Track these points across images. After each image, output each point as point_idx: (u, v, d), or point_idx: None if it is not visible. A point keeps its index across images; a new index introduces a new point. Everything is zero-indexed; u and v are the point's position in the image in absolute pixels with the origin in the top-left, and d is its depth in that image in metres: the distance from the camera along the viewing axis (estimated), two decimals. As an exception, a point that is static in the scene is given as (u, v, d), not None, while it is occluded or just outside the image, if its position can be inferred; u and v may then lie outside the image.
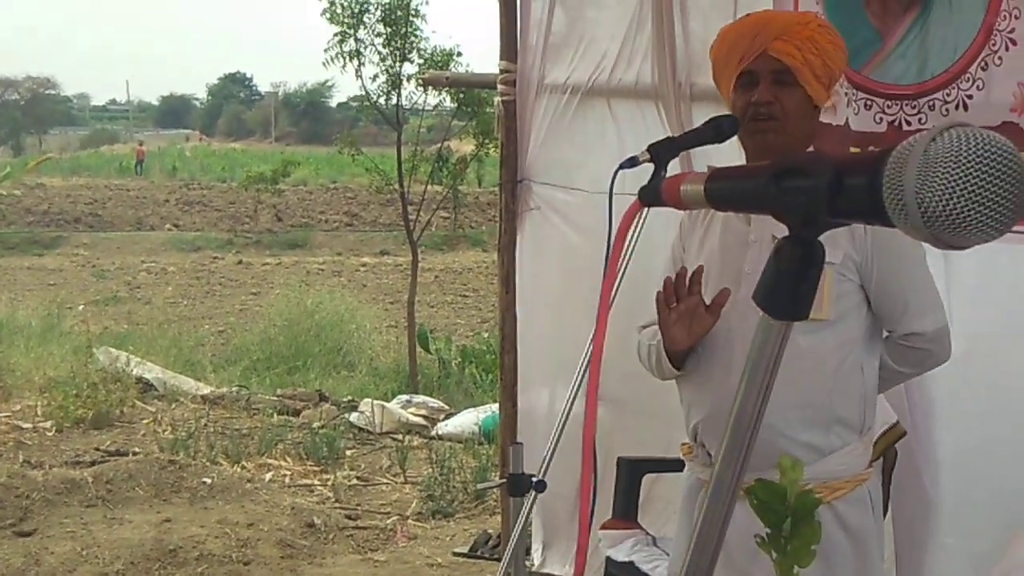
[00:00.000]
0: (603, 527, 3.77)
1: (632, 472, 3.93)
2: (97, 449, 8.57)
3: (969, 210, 0.96)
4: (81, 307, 17.86)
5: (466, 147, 17.95)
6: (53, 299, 17.18)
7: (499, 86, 4.91)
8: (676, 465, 3.16)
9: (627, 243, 2.81)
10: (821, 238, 1.11)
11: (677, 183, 1.24)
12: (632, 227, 1.39)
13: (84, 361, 10.75)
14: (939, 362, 2.87)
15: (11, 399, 10.11)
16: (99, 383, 9.78)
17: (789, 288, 1.09)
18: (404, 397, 10.75)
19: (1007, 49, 2.91)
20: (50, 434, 9.02)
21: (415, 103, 15.66)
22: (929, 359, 2.85)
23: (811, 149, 2.80)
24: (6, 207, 31.97)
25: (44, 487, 6.80)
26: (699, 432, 2.87)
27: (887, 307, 2.76)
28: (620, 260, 2.75)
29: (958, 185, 0.96)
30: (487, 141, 14.88)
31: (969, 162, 0.96)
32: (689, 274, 2.72)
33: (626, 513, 3.86)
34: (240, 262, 26.17)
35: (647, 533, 3.80)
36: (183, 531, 6.24)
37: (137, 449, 8.44)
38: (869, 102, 3.28)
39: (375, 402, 10.05)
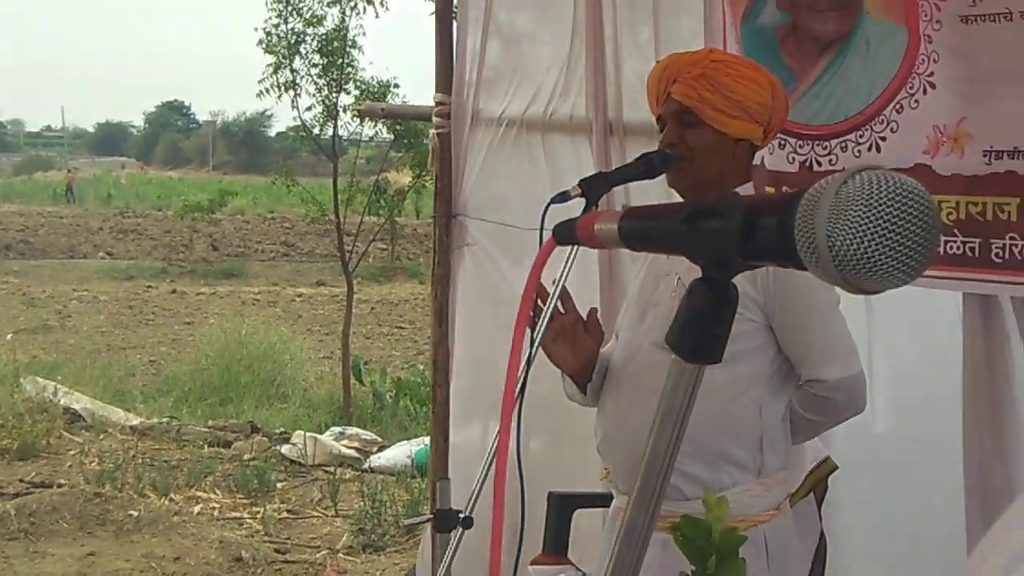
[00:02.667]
0: (533, 562, 3.73)
1: (562, 507, 3.90)
2: (21, 481, 8.40)
3: (880, 254, 0.95)
4: (9, 336, 17.53)
5: (404, 178, 17.92)
6: (-20, 327, 16.88)
7: (434, 118, 4.89)
8: (607, 500, 3.14)
9: (559, 279, 2.83)
10: None
11: (591, 222, 1.23)
12: (545, 265, 1.37)
13: (10, 391, 10.54)
14: (848, 413, 2.79)
15: (-66, 429, 9.88)
16: (25, 413, 9.61)
17: (701, 330, 1.07)
18: (337, 429, 10.65)
19: (925, 92, 2.93)
20: (-27, 465, 8.84)
21: (353, 133, 15.64)
22: (835, 409, 2.76)
23: (749, 184, 2.82)
24: (-66, 233, 31.41)
25: (-36, 519, 6.65)
26: (601, 454, 2.90)
27: (790, 351, 2.73)
28: (551, 298, 2.77)
29: (869, 228, 0.95)
30: (424, 173, 14.87)
31: (880, 205, 0.95)
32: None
33: (556, 548, 3.83)
34: (174, 291, 25.85)
35: (578, 569, 3.76)
36: (107, 565, 6.13)
37: (63, 481, 8.29)
38: (783, 141, 3.29)
39: (307, 434, 9.95)
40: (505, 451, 1.40)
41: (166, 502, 7.86)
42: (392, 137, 15.32)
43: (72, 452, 9.47)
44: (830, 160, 3.20)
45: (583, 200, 2.84)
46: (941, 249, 2.89)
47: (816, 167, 3.25)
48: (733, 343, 2.66)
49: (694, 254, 1.09)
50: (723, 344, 1.08)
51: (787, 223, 0.96)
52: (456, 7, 4.87)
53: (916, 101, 2.94)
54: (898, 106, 2.98)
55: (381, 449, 9.92)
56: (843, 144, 3.15)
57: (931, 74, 2.90)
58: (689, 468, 2.72)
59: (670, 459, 1.12)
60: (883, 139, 3.04)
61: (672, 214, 1.09)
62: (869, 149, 3.08)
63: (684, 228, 1.06)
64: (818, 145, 3.22)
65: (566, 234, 1.31)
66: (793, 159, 3.29)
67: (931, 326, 3.34)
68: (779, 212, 0.98)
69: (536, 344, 2.73)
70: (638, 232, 1.18)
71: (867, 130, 3.08)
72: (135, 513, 6.97)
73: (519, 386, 2.83)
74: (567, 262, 2.80)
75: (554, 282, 2.77)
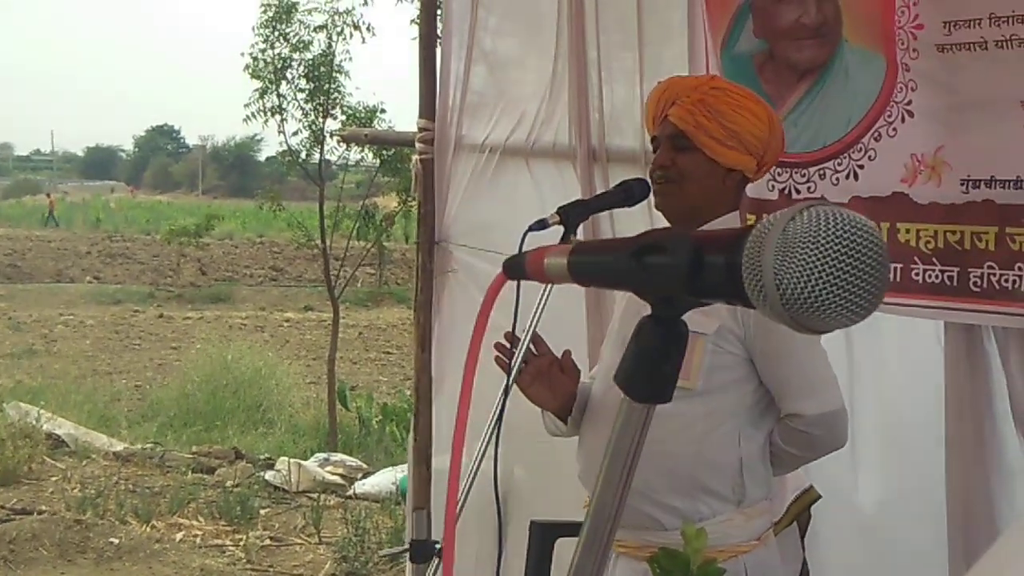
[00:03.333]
0: (514, 592, 3.70)
1: (544, 536, 3.86)
2: (2, 507, 8.32)
3: (828, 293, 0.92)
4: (-6, 360, 17.46)
5: (392, 203, 17.91)
6: (-35, 351, 16.80)
7: (417, 144, 4.87)
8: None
9: (531, 322, 2.83)
10: (696, 309, 1.07)
11: (541, 256, 1.20)
12: (497, 298, 1.34)
13: (-7, 416, 10.48)
14: (828, 448, 2.76)
15: (-85, 454, 9.81)
16: (7, 439, 9.53)
17: (650, 369, 1.04)
18: (322, 455, 10.60)
19: (903, 120, 2.92)
20: (-45, 491, 8.76)
21: (341, 158, 15.63)
22: (815, 443, 2.73)
23: (735, 213, 2.81)
24: (-79, 257, 31.30)
25: (-56, 547, 6.58)
26: (583, 483, 2.90)
27: (770, 384, 2.71)
28: (522, 341, 2.76)
29: (816, 267, 0.92)
30: (410, 198, 14.88)
31: (828, 243, 0.92)
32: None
33: (538, 577, 3.80)
34: (161, 316, 25.76)
35: (560, 599, 3.74)
36: (87, 594, 6.07)
37: (44, 507, 8.22)
38: None
39: (292, 460, 9.90)
40: (455, 489, 1.37)
41: (148, 529, 7.80)
42: (378, 162, 15.30)
43: (54, 478, 9.41)
44: (808, 188, 3.19)
45: (563, 228, 2.83)
46: (920, 278, 2.88)
47: (795, 194, 3.23)
48: (713, 375, 2.68)
49: (642, 291, 1.05)
50: (672, 383, 1.05)
51: (735, 261, 0.93)
52: (440, 33, 4.86)
53: (894, 129, 2.93)
54: (876, 134, 2.97)
55: (366, 475, 9.87)
56: (821, 172, 3.14)
57: (909, 102, 2.89)
58: (667, 499, 2.70)
59: (619, 502, 1.09)
60: (861, 167, 3.03)
61: (620, 249, 1.05)
62: (847, 177, 3.07)
63: (632, 264, 1.03)
64: (796, 173, 3.20)
65: (516, 269, 1.27)
66: (773, 187, 3.27)
67: (913, 355, 3.32)
68: (727, 249, 0.94)
69: (512, 376, 2.72)
70: (587, 267, 1.14)
71: (845, 158, 3.06)
72: (116, 540, 6.91)
73: (496, 415, 2.82)
74: (539, 304, 2.80)
75: (527, 324, 2.78)
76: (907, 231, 2.90)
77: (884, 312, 3.00)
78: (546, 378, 2.81)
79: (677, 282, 1.00)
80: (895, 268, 2.92)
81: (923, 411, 3.27)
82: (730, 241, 0.95)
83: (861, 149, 3.01)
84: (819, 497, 3.26)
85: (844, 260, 0.92)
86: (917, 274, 2.89)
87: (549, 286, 2.67)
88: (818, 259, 0.92)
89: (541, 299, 2.82)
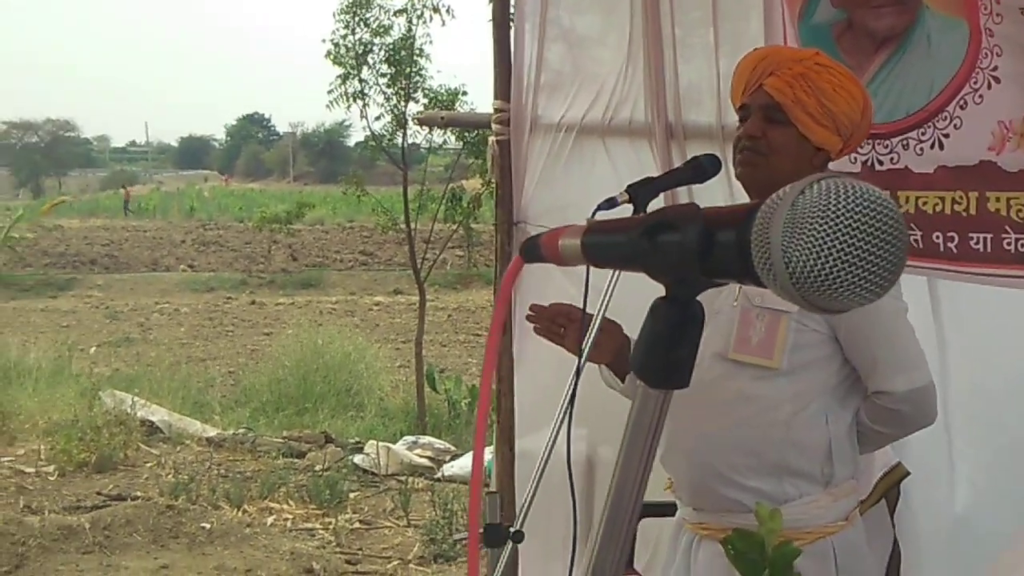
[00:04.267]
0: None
1: (628, 518, 3.84)
2: (99, 494, 8.49)
3: (839, 270, 0.86)
4: (93, 349, 17.82)
5: (477, 185, 17.91)
6: (64, 341, 17.16)
7: (493, 125, 4.83)
8: (673, 510, 3.07)
9: (605, 295, 2.78)
10: None
11: (556, 238, 1.14)
12: (516, 282, 1.31)
13: (89, 404, 10.67)
14: (918, 425, 2.71)
15: (15, 443, 10.05)
16: (103, 426, 9.71)
17: (665, 354, 0.98)
18: (410, 438, 10.65)
19: (989, 87, 2.81)
20: (52, 479, 8.95)
21: (428, 141, 15.65)
22: (904, 421, 2.68)
23: None
24: (23, 249, 32.04)
25: (41, 533, 6.72)
26: (663, 465, 2.86)
27: (856, 362, 2.65)
28: (596, 317, 2.73)
29: (827, 243, 0.86)
30: (491, 180, 14.86)
31: (840, 217, 0.86)
32: None
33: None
34: (253, 302, 26.12)
35: (644, 579, 3.72)
36: (180, 578, 6.15)
37: (138, 493, 8.37)
38: None
39: (380, 444, 9.96)
40: (480, 467, 1.33)
41: (239, 513, 7.89)
42: (461, 144, 15.31)
43: (149, 464, 9.57)
44: (891, 159, 3.09)
45: (632, 206, 2.77)
46: (1012, 247, 2.78)
47: (878, 166, 3.14)
48: (797, 354, 2.63)
49: (655, 272, 1.00)
50: (689, 368, 0.99)
51: (744, 237, 0.88)
52: (514, 12, 4.81)
53: (980, 96, 2.82)
54: (962, 102, 2.87)
55: (454, 458, 9.90)
56: (904, 142, 3.04)
57: (995, 68, 2.78)
58: (753, 482, 2.66)
59: (638, 492, 1.03)
60: (946, 136, 2.93)
61: (632, 228, 1.00)
62: (932, 147, 2.96)
63: (644, 243, 0.98)
64: (879, 144, 3.10)
65: (532, 251, 1.22)
66: (855, 159, 3.18)
67: (1008, 327, 3.22)
68: (736, 226, 0.89)
69: (584, 357, 2.68)
70: (599, 248, 1.09)
71: (929, 127, 2.96)
72: (207, 525, 6.99)
73: (569, 396, 2.78)
74: (610, 281, 2.77)
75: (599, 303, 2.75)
76: (997, 200, 2.80)
77: (976, 283, 2.91)
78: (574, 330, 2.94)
79: (688, 261, 0.94)
80: (985, 238, 2.82)
81: (1018, 384, 3.18)
82: (740, 217, 0.89)
83: (946, 117, 2.91)
84: (908, 473, 3.20)
85: (856, 235, 0.86)
86: (1009, 244, 2.79)
87: (615, 274, 2.63)
88: (828, 234, 0.86)
89: (612, 278, 2.77)
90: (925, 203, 2.96)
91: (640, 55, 4.25)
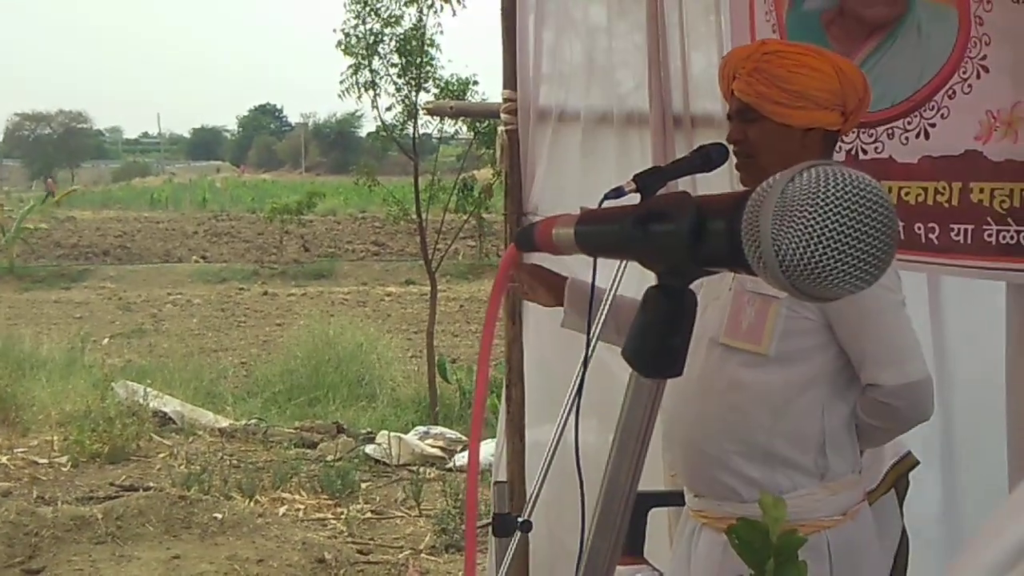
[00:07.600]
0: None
1: (638, 506, 3.83)
2: (111, 484, 8.52)
3: (829, 258, 0.86)
4: (106, 340, 17.86)
5: (488, 175, 17.89)
6: (77, 332, 17.20)
7: (502, 115, 4.83)
8: (682, 499, 3.07)
9: (612, 288, 2.78)
10: None
11: (550, 227, 1.14)
12: (507, 273, 1.30)
13: (101, 395, 10.71)
14: (913, 421, 2.67)
15: (29, 434, 10.09)
16: (115, 417, 9.74)
17: (657, 343, 0.98)
18: (422, 428, 10.65)
19: (978, 77, 2.80)
20: (65, 469, 8.99)
21: (439, 131, 15.63)
22: (896, 415, 2.63)
23: None
24: (36, 241, 32.11)
25: (54, 524, 6.75)
26: (663, 449, 2.88)
27: (848, 353, 2.63)
28: (603, 303, 2.72)
29: (816, 230, 0.85)
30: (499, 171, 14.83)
31: (829, 204, 0.85)
32: None
33: (632, 547, 3.77)
34: (265, 293, 26.12)
35: (654, 568, 3.71)
36: (192, 568, 6.18)
37: (151, 484, 8.39)
38: None
39: (392, 434, 9.97)
40: (476, 459, 1.33)
41: (251, 504, 7.92)
42: (472, 134, 15.28)
43: (161, 455, 9.60)
44: (876, 148, 3.08)
45: (639, 195, 2.77)
46: (993, 239, 2.77)
47: (862, 155, 3.13)
48: (787, 341, 2.62)
49: (647, 260, 1.00)
50: (682, 357, 0.99)
51: (734, 226, 0.87)
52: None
53: (969, 86, 2.81)
54: (950, 91, 2.86)
55: (466, 448, 9.90)
56: (889, 131, 3.03)
57: (984, 57, 2.78)
58: (744, 469, 2.65)
59: (632, 482, 1.03)
60: (932, 125, 2.92)
61: (625, 217, 1.00)
62: (917, 136, 2.96)
63: (636, 232, 0.98)
64: (864, 132, 3.10)
65: (527, 240, 1.22)
66: (839, 147, 3.17)
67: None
68: (727, 214, 0.88)
69: (591, 347, 2.67)
70: (592, 237, 1.09)
71: (916, 116, 2.95)
72: (219, 516, 7.01)
73: (576, 387, 2.77)
74: (619, 269, 2.76)
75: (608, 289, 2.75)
76: (980, 191, 2.79)
77: (956, 275, 2.90)
78: (531, 288, 3.27)
79: (680, 250, 0.94)
80: (966, 230, 2.81)
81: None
82: (731, 205, 0.89)
83: (934, 107, 2.90)
84: (917, 463, 3.19)
85: (846, 222, 0.86)
86: (990, 235, 2.78)
87: (623, 264, 2.65)
88: (818, 222, 0.86)
89: (620, 266, 2.77)
90: (907, 193, 2.96)
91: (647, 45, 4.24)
